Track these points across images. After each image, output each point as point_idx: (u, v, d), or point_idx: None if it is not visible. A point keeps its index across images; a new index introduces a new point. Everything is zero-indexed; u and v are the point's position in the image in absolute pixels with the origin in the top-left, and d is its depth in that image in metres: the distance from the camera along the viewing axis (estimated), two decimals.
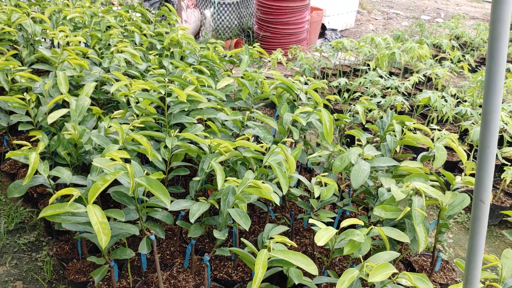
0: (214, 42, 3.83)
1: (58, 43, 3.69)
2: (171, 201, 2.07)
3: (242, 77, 3.22)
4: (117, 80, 2.97)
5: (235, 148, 2.25)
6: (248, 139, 2.36)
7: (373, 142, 2.98)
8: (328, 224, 2.41)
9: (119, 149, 2.18)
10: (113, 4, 4.92)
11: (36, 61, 3.35)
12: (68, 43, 3.33)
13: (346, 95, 4.11)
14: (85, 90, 2.68)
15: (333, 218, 2.43)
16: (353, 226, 2.53)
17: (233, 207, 1.89)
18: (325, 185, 2.26)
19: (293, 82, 2.98)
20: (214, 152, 2.23)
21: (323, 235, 1.75)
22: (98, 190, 1.71)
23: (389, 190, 2.15)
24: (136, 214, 1.94)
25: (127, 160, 2.16)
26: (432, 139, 3.23)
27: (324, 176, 2.21)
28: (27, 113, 2.59)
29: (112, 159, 1.87)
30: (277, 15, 5.87)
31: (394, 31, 6.12)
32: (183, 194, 2.79)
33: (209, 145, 2.25)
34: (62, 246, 2.37)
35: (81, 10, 3.88)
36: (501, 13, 0.94)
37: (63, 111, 2.42)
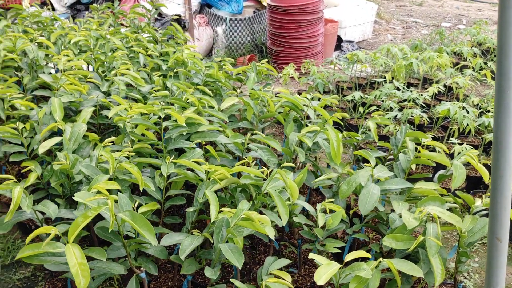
0: (222, 60, 3.72)
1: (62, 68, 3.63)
2: (166, 234, 1.94)
3: (249, 95, 3.09)
4: (117, 104, 2.87)
5: (234, 175, 2.09)
6: (248, 164, 2.20)
7: (389, 160, 2.78)
8: (337, 254, 2.22)
9: (109, 179, 2.06)
10: (123, 25, 4.88)
11: (39, 87, 3.29)
12: (71, 68, 3.26)
13: (361, 109, 3.92)
14: (81, 116, 2.58)
15: (343, 247, 2.24)
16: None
17: (227, 241, 1.74)
18: (332, 212, 2.08)
19: (300, 100, 2.82)
20: (210, 179, 2.09)
21: (324, 273, 1.57)
22: (78, 228, 1.59)
23: (401, 216, 1.95)
24: (125, 250, 1.80)
25: (119, 191, 2.04)
26: (452, 155, 3.02)
27: (329, 202, 2.04)
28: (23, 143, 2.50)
29: (100, 191, 1.75)
30: (289, 29, 5.74)
31: (412, 40, 5.90)
32: (181, 225, 2.65)
33: (206, 171, 2.11)
34: (55, 283, 2.25)
35: (86, 33, 3.83)
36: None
37: (56, 140, 2.33)
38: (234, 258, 1.61)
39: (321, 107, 2.84)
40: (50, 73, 3.31)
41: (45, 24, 4.37)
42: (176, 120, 2.41)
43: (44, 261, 1.65)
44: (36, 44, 3.74)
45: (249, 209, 2.04)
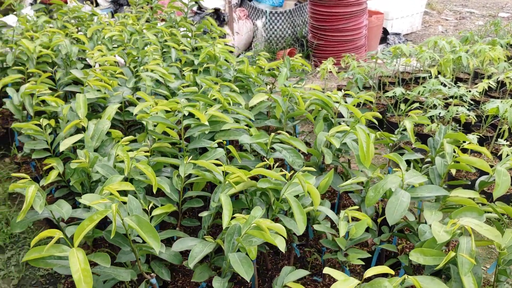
0: (257, 55, 3.61)
1: (96, 63, 3.63)
2: (181, 238, 1.86)
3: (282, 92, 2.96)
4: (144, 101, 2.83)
5: (253, 178, 1.98)
6: (269, 167, 2.09)
7: (427, 163, 2.58)
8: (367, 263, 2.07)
9: (125, 180, 2.00)
10: (163, 20, 4.85)
11: (71, 82, 3.30)
12: (104, 63, 3.25)
13: (403, 106, 3.69)
14: (106, 112, 2.55)
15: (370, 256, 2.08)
16: (397, 264, 2.17)
17: (238, 250, 1.63)
18: (357, 220, 1.93)
19: (333, 97, 2.67)
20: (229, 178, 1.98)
21: None
22: (83, 231, 1.53)
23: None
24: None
25: (136, 192, 1.98)
26: (500, 157, 2.77)
27: (353, 210, 1.88)
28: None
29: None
30: (331, 22, 5.53)
31: (463, 32, 5.54)
32: (199, 228, 2.57)
33: (224, 173, 2.01)
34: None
35: (121, 28, 3.82)
36: None
37: (77, 137, 2.30)
38: (243, 270, 1.51)
39: (354, 104, 2.68)
40: (82, 68, 3.32)
41: (84, 19, 4.42)
42: (199, 119, 2.33)
43: (51, 264, 1.60)
44: (71, 39, 3.77)
45: (267, 215, 1.94)
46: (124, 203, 1.76)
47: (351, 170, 2.40)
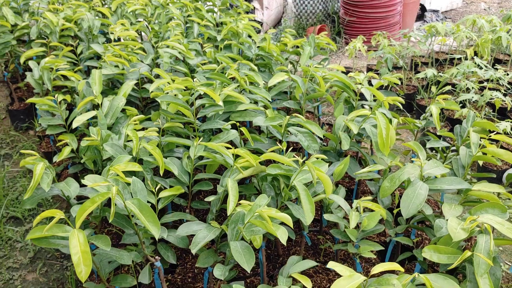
0: (281, 32, 3.49)
1: (118, 37, 3.59)
2: (189, 221, 1.82)
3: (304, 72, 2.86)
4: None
5: (268, 161, 1.91)
6: (281, 151, 2.01)
7: (453, 151, 2.44)
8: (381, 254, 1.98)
9: (133, 160, 1.97)
10: None
11: (93, 56, 3.28)
12: (126, 38, 3.21)
13: (434, 88, 3.52)
14: (122, 89, 2.52)
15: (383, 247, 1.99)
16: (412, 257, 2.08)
17: (242, 238, 1.58)
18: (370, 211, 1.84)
19: (356, 78, 2.54)
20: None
21: (343, 286, 1.36)
22: (84, 212, 1.50)
23: None
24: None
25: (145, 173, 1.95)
26: None
27: (367, 200, 1.79)
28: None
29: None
30: None
31: (505, 11, 5.22)
32: (209, 211, 2.53)
33: (234, 156, 1.94)
34: None
35: (144, 1, 3.76)
36: None
37: (90, 114, 2.27)
38: (243, 260, 1.45)
39: (379, 87, 2.55)
40: (104, 43, 3.29)
41: None
42: (213, 98, 2.26)
43: (53, 244, 1.59)
44: (95, 12, 3.74)
45: (276, 203, 1.87)
46: (129, 184, 1.72)
47: (371, 157, 2.29)
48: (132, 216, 1.64)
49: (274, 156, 1.86)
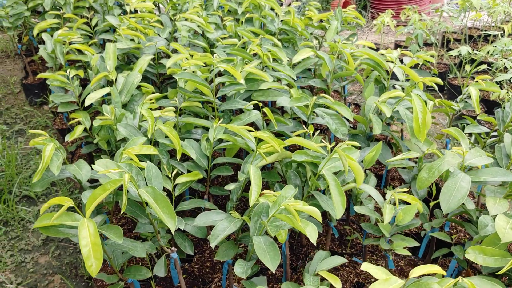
0: (305, 5, 3.29)
1: (134, 9, 3.43)
2: (207, 210, 1.70)
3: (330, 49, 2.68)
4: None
5: (288, 148, 1.76)
6: (306, 134, 1.86)
7: (493, 137, 2.26)
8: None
9: (148, 142, 1.83)
10: None
11: (108, 29, 3.13)
12: (143, 10, 3.05)
13: (468, 67, 3.30)
14: (138, 64, 2.37)
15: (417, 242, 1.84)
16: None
17: (266, 233, 1.44)
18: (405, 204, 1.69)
19: (387, 56, 2.35)
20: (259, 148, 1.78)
21: None
22: (95, 201, 1.38)
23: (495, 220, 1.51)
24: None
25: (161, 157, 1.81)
26: None
27: (402, 192, 1.63)
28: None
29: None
30: None
31: None
32: (229, 197, 2.40)
33: (256, 139, 1.80)
34: None
35: None
36: None
37: (104, 91, 2.14)
38: (268, 258, 1.32)
39: (411, 66, 2.35)
40: (119, 15, 3.14)
41: None
42: (234, 76, 2.10)
43: (62, 233, 1.48)
44: None
45: (302, 193, 1.73)
46: (143, 169, 1.59)
47: (403, 142, 2.12)
48: (147, 204, 1.51)
49: (300, 141, 1.70)
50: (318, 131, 1.92)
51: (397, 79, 2.36)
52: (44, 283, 2.13)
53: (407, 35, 4.10)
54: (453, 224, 2.22)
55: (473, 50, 3.48)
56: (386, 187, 2.45)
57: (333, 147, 1.76)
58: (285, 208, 1.36)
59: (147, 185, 1.53)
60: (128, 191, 1.47)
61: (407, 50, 4.01)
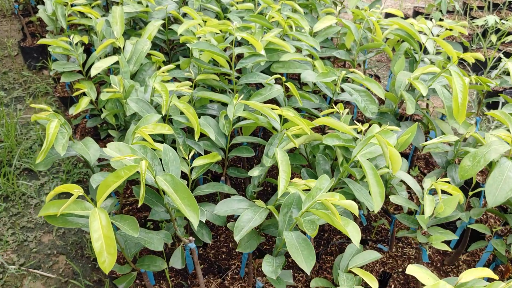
0: None
1: None
2: (225, 198, 1.55)
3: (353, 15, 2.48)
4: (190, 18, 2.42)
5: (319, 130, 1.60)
6: (336, 114, 1.70)
7: None
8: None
9: (162, 120, 1.67)
10: None
11: None
12: None
13: (493, 38, 3.10)
14: (147, 30, 2.18)
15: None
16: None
17: (296, 227, 1.30)
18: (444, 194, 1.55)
19: (416, 26, 2.16)
20: (287, 130, 1.62)
21: None
22: (107, 190, 1.23)
23: None
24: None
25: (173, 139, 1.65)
26: None
27: (443, 181, 1.49)
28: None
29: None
30: None
31: None
32: (247, 180, 2.24)
33: (281, 118, 1.64)
34: None
35: None
36: None
37: (111, 60, 1.96)
38: (301, 258, 1.18)
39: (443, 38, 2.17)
40: None
41: None
42: (253, 46, 1.92)
43: (71, 223, 1.33)
44: None
45: (331, 185, 1.58)
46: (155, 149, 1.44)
47: (436, 122, 1.96)
48: (164, 193, 1.36)
49: (331, 122, 1.55)
50: (347, 110, 1.75)
51: (426, 52, 2.18)
52: (49, 264, 2.01)
53: (428, 1, 3.87)
54: (490, 220, 2.09)
55: (500, 19, 3.27)
56: (411, 168, 2.31)
57: (367, 129, 1.61)
58: (322, 203, 1.22)
59: (163, 170, 1.38)
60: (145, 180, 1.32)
61: (428, 18, 3.79)
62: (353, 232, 1.16)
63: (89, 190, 2.35)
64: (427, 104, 2.43)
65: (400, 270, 1.81)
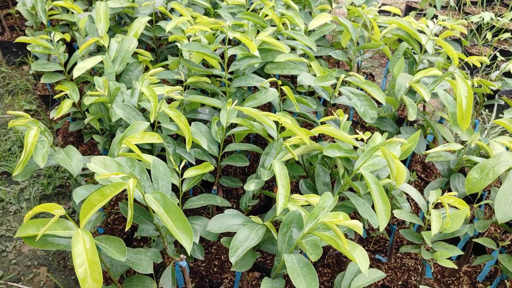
0: None
1: None
2: (217, 214, 1.45)
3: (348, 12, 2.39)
4: (178, 15, 2.31)
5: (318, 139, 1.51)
6: (336, 123, 1.60)
7: None
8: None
9: (150, 128, 1.56)
10: None
11: None
12: None
13: (489, 35, 3.04)
14: (133, 28, 2.06)
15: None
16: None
17: (298, 250, 1.22)
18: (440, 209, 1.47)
19: (410, 23, 2.07)
20: (285, 140, 1.53)
21: None
22: (91, 210, 1.13)
23: None
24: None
25: (162, 149, 1.55)
26: None
27: (450, 196, 1.41)
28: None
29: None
30: None
31: None
32: (240, 190, 2.15)
33: (277, 125, 1.54)
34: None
35: None
36: None
37: (95, 60, 1.83)
38: (304, 284, 1.09)
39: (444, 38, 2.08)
40: None
41: None
42: (245, 46, 1.81)
43: (51, 244, 1.22)
44: None
45: (331, 191, 1.49)
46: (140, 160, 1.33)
47: (438, 128, 1.89)
48: (153, 211, 1.26)
49: (331, 131, 1.46)
50: (346, 116, 1.66)
51: (424, 52, 2.10)
52: (29, 277, 1.90)
53: None
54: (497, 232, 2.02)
55: (495, 16, 3.20)
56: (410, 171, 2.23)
57: (369, 138, 1.52)
58: (325, 224, 1.13)
59: (152, 184, 1.27)
60: (133, 199, 1.21)
61: (421, 14, 3.71)
62: (361, 258, 1.07)
63: (71, 196, 2.24)
64: (424, 107, 2.35)
65: (399, 283, 1.74)
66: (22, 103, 2.83)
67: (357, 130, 1.55)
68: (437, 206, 1.53)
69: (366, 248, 1.87)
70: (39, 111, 2.79)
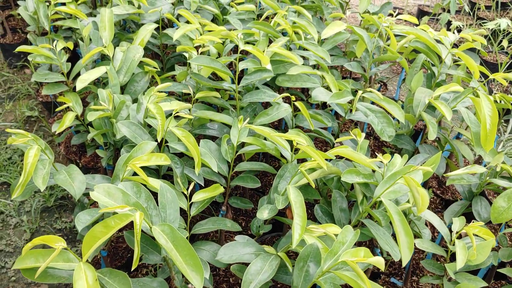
0: None
1: None
2: (228, 242, 1.38)
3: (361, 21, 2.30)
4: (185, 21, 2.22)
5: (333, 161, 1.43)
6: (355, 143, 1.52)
7: None
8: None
9: (157, 148, 1.48)
10: None
11: None
12: None
13: (505, 42, 2.94)
14: (139, 35, 1.98)
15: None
16: None
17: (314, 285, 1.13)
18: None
19: (426, 32, 1.98)
20: (301, 165, 1.45)
21: None
22: (95, 243, 1.05)
23: None
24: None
25: (168, 172, 1.46)
26: None
27: (476, 226, 1.32)
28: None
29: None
30: None
31: None
32: (253, 212, 2.06)
33: (291, 145, 1.46)
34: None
35: None
36: None
37: (99, 72, 1.75)
38: None
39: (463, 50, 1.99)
40: None
41: None
42: (257, 58, 1.73)
43: (52, 277, 1.14)
44: None
45: (347, 218, 1.41)
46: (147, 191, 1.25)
47: (458, 146, 1.80)
48: (158, 244, 1.18)
49: (349, 154, 1.37)
50: (363, 134, 1.58)
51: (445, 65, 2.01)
52: None
53: (436, 0, 3.68)
54: None
55: (511, 19, 3.10)
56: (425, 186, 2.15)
57: (389, 161, 1.43)
58: (345, 262, 1.05)
59: (159, 212, 1.19)
60: (141, 231, 1.13)
61: (434, 18, 3.61)
62: None
63: (74, 209, 2.16)
64: (440, 121, 2.26)
65: None
66: (23, 109, 2.75)
67: (376, 153, 1.46)
68: (462, 236, 1.44)
69: (379, 270, 1.79)
70: (41, 118, 2.71)
